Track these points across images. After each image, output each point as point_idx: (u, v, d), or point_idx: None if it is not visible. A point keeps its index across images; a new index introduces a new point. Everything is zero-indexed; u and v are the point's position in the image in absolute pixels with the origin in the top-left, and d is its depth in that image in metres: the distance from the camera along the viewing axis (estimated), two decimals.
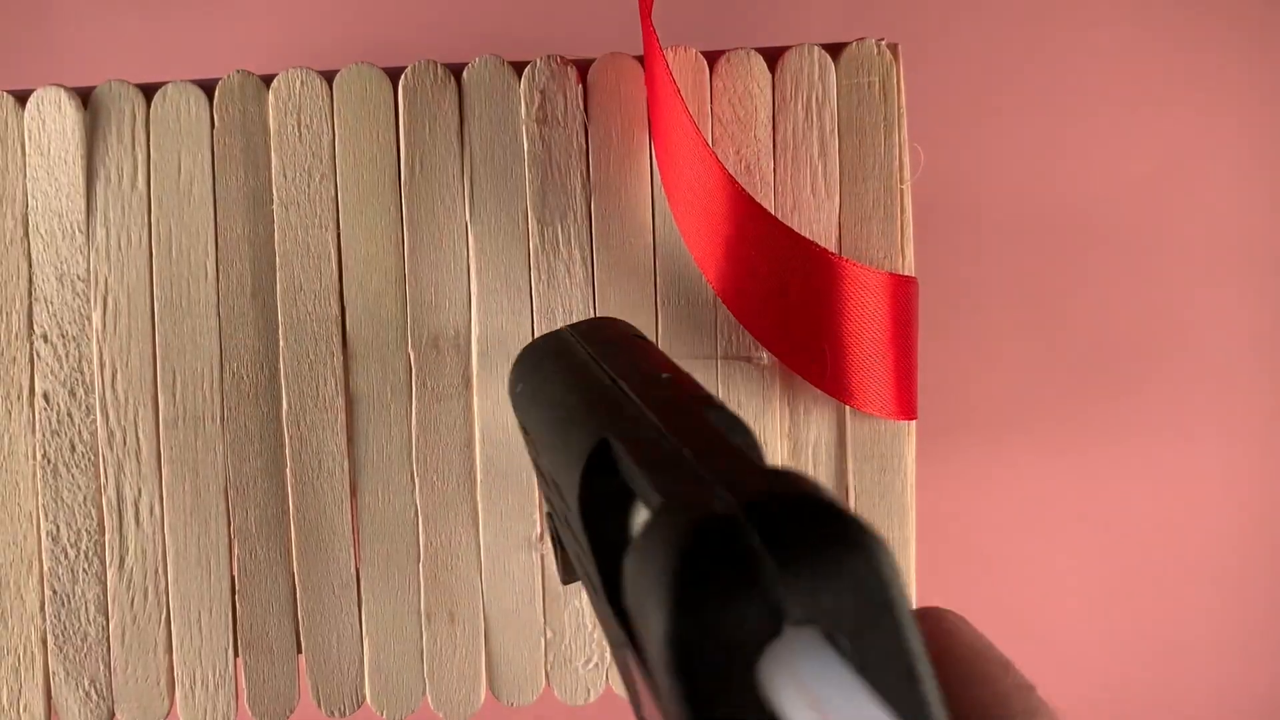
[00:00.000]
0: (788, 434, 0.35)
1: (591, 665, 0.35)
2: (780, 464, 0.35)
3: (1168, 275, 0.47)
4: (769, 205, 0.34)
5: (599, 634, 0.35)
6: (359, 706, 0.35)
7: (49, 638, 0.34)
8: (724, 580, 0.15)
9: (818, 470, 0.35)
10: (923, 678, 0.15)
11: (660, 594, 0.15)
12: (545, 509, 0.30)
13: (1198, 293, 0.48)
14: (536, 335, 0.34)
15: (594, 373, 0.22)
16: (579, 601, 0.35)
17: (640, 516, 0.21)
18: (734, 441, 0.19)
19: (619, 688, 0.35)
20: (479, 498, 0.34)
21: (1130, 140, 0.47)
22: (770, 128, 0.34)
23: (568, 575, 0.26)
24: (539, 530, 0.34)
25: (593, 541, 0.20)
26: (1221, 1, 0.47)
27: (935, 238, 0.40)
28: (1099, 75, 0.47)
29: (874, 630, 0.15)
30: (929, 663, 0.16)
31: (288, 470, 0.34)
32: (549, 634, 0.35)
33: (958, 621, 0.20)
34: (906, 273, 0.34)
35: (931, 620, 0.20)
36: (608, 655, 0.35)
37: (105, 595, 0.34)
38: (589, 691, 0.35)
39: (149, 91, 0.33)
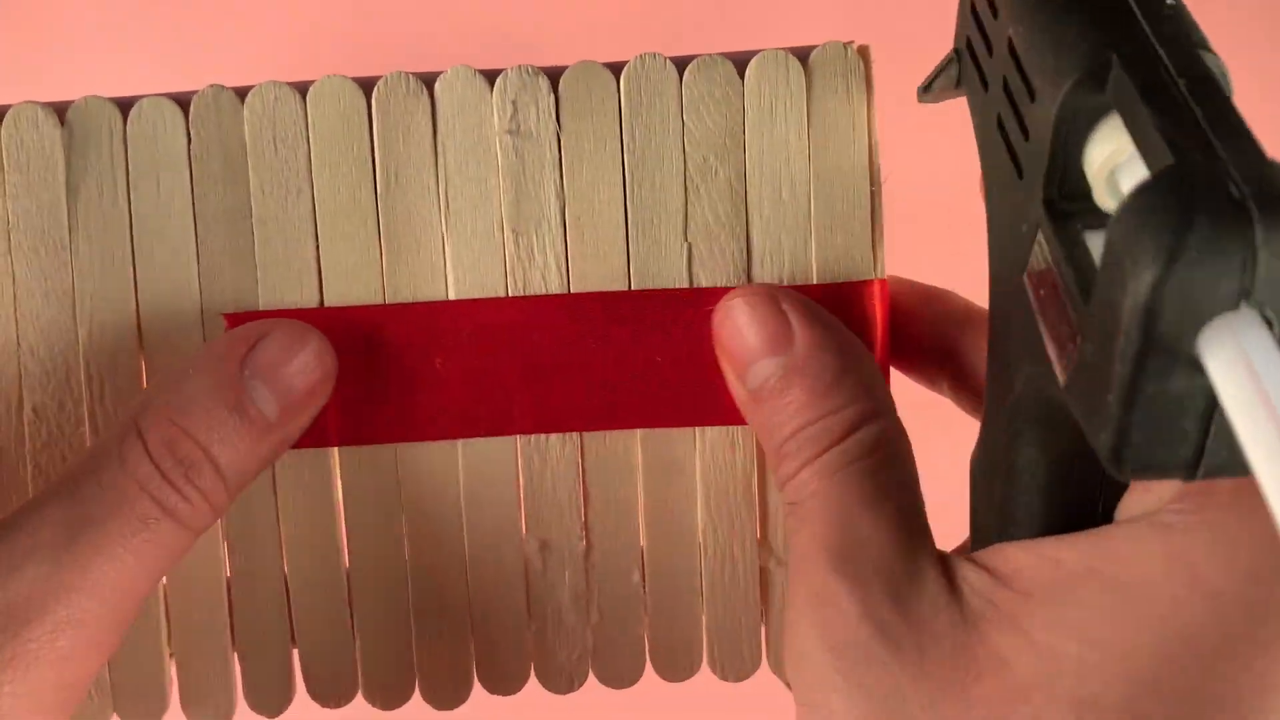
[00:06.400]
0: None
1: (576, 656, 0.36)
2: None
3: None
4: (742, 212, 0.34)
5: (581, 627, 0.36)
6: (352, 698, 0.36)
7: None
8: (1216, 247, 0.17)
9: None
10: None
11: (1161, 241, 0.18)
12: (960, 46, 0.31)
13: None
14: None
15: None
16: (563, 595, 0.36)
17: (1109, 138, 0.23)
18: (1228, 95, 0.22)
19: (602, 677, 0.36)
20: (463, 500, 0.35)
21: None
22: (741, 134, 0.34)
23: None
24: (523, 530, 0.35)
25: (1054, 145, 0.23)
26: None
27: (908, 242, 0.40)
28: None
29: None
30: None
31: (276, 476, 0.35)
32: (534, 627, 0.36)
33: None
34: (879, 276, 0.34)
35: None
36: (591, 647, 0.36)
37: None
38: (573, 681, 0.36)
39: (125, 107, 0.34)
